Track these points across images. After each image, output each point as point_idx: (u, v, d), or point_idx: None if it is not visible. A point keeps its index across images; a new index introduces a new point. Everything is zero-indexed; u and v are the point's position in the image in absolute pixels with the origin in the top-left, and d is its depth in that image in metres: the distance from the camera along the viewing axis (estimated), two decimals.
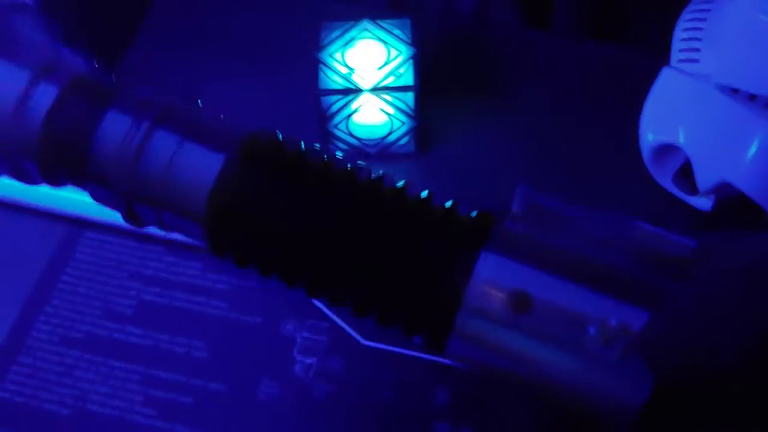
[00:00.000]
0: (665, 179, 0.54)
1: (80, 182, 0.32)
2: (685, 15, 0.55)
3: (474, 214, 0.32)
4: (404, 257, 0.31)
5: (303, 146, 0.33)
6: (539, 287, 0.29)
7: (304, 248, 0.31)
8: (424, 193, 0.32)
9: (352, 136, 0.59)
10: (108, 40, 0.65)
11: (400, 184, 0.32)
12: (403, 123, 0.58)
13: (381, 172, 0.33)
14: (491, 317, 0.29)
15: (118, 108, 0.31)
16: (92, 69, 0.33)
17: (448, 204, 0.32)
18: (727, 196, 0.50)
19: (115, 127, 0.31)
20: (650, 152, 0.53)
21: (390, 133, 0.59)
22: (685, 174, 0.53)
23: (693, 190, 0.52)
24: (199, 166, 0.31)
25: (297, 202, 0.31)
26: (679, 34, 0.54)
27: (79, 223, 0.56)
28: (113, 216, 0.55)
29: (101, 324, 0.52)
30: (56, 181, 0.33)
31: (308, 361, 0.50)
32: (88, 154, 0.31)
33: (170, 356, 0.51)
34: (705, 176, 0.50)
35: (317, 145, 0.33)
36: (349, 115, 0.58)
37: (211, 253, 0.32)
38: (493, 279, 0.29)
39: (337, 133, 0.59)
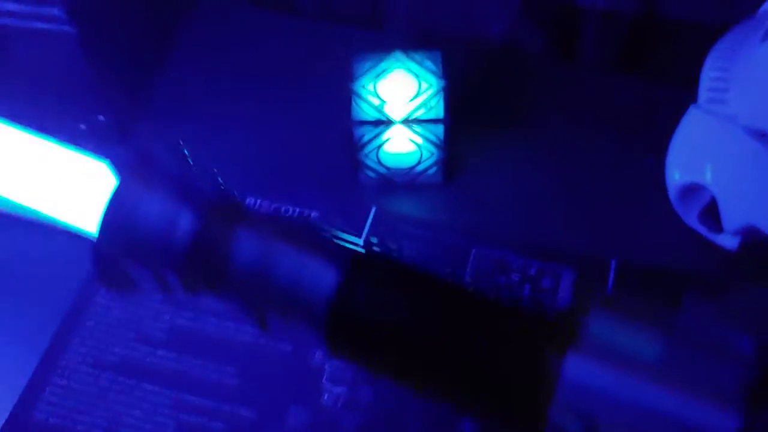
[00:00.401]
0: (691, 217, 0.55)
1: (217, 291, 0.36)
2: (714, 54, 0.56)
3: (559, 316, 0.35)
4: (500, 359, 0.34)
5: (401, 257, 0.38)
6: (610, 412, 0.31)
7: (409, 350, 0.35)
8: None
9: (381, 164, 0.60)
10: (140, 63, 0.66)
11: (491, 295, 0.36)
12: (432, 153, 0.59)
13: (468, 279, 0.36)
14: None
15: (247, 227, 0.35)
16: (222, 193, 0.37)
17: (532, 307, 0.36)
18: (753, 236, 0.51)
19: (247, 244, 0.35)
20: (677, 190, 0.54)
21: (418, 163, 0.60)
22: (711, 213, 0.53)
23: (719, 229, 0.53)
24: (319, 278, 0.35)
25: (402, 309, 0.35)
26: (708, 73, 0.55)
27: None
28: None
29: (134, 347, 0.54)
30: (195, 290, 0.37)
31: (337, 390, 0.51)
32: (224, 269, 0.35)
33: (201, 381, 0.52)
34: (731, 217, 0.51)
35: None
36: (380, 145, 0.59)
37: (328, 352, 0.36)
38: (573, 390, 0.32)
39: (367, 161, 0.60)
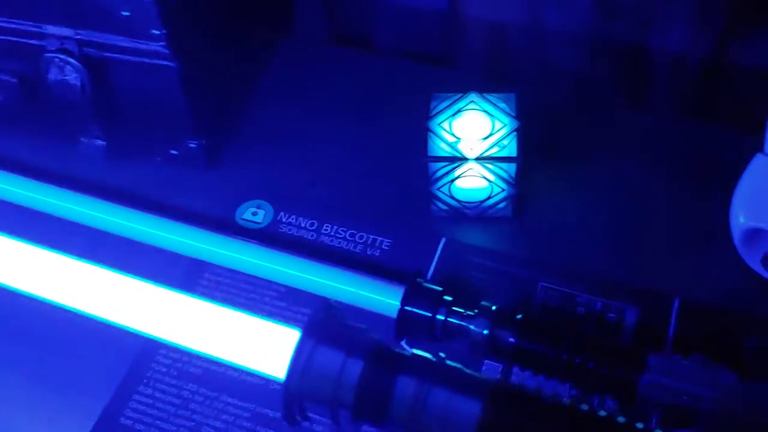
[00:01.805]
0: (754, 260, 0.56)
1: (379, 425, 0.43)
2: None
3: None
4: None
5: (531, 389, 0.43)
6: None
7: None
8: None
9: (453, 198, 0.63)
10: (229, 95, 0.71)
11: (602, 413, 0.42)
12: (503, 189, 0.62)
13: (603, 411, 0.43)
14: None
15: (406, 373, 0.43)
16: (381, 344, 0.44)
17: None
18: None
19: (406, 387, 0.43)
20: (741, 234, 0.56)
21: (489, 198, 0.63)
22: None
23: None
24: (465, 410, 0.42)
25: None
26: None
27: (199, 264, 0.61)
28: None
29: (215, 361, 0.57)
30: (359, 422, 0.44)
31: None
32: (388, 407, 0.43)
33: (279, 396, 0.55)
34: None
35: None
36: (453, 180, 0.62)
37: None
38: None
39: (440, 194, 0.63)
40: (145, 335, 0.53)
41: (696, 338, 0.54)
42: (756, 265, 0.57)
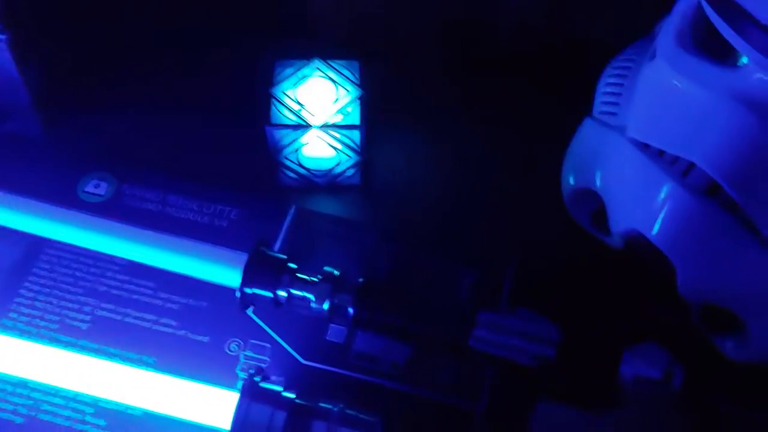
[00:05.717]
0: (583, 219, 0.59)
1: None
2: (609, 69, 0.60)
3: None
4: None
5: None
6: None
7: None
8: None
9: (301, 166, 0.63)
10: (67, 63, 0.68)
11: None
12: (350, 157, 0.62)
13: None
14: None
15: (317, 419, 0.51)
16: (298, 401, 0.52)
17: None
18: (637, 239, 0.55)
19: (320, 428, 0.51)
20: (570, 194, 0.59)
21: (337, 165, 0.63)
22: (601, 215, 0.58)
23: (607, 231, 0.57)
24: None
25: None
26: (602, 87, 0.59)
27: (39, 240, 0.59)
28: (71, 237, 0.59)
29: (57, 338, 0.56)
30: None
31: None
32: None
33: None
34: (617, 221, 0.55)
35: None
36: (298, 148, 0.62)
37: None
38: None
39: (287, 163, 0.63)
40: None
41: (529, 295, 0.57)
42: (585, 223, 0.60)
